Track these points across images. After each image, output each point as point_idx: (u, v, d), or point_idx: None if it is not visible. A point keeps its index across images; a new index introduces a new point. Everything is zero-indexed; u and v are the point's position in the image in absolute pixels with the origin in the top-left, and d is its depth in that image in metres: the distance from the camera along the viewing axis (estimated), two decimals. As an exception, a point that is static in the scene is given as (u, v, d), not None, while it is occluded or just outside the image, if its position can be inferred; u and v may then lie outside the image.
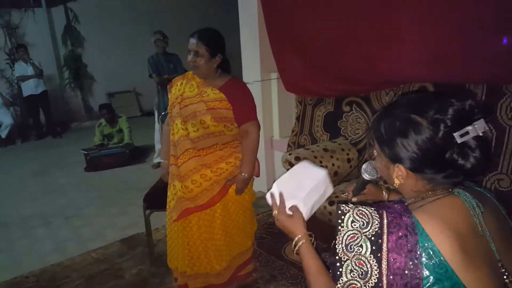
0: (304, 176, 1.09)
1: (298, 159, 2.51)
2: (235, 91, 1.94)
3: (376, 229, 0.78)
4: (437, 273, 0.73)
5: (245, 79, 3.47)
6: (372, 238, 0.78)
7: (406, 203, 0.90)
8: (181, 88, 1.94)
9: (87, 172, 4.90)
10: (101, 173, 4.81)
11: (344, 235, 0.80)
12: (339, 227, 0.82)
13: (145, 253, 2.65)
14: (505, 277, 0.82)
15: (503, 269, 0.82)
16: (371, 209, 0.81)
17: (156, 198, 2.48)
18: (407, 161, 0.84)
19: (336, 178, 2.65)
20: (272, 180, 3.53)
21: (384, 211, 0.81)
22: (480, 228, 0.81)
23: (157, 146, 4.60)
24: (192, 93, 1.91)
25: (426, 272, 0.74)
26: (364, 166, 1.18)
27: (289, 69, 3.05)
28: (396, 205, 0.84)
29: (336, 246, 0.81)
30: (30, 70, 6.49)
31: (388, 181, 0.95)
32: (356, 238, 0.79)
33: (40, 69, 6.58)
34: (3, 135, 6.64)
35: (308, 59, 2.86)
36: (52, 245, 2.99)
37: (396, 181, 0.89)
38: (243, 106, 1.95)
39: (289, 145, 3.31)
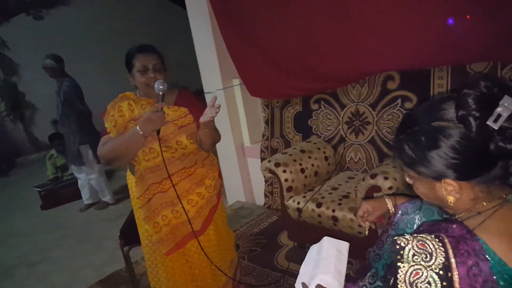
0: (312, 256, 1.09)
1: (278, 165, 2.43)
2: (191, 101, 1.86)
3: (442, 260, 0.69)
4: None
5: (206, 89, 3.34)
6: (440, 272, 0.68)
7: (460, 219, 0.81)
8: (134, 109, 1.75)
9: (45, 210, 4.53)
10: (62, 209, 4.46)
11: (407, 272, 0.70)
12: (399, 264, 0.71)
13: (130, 291, 2.45)
14: None
15: None
16: (431, 237, 0.72)
17: (133, 231, 2.29)
18: (451, 172, 0.76)
19: (317, 178, 2.61)
20: (249, 187, 3.47)
21: (445, 237, 0.72)
22: None
23: (84, 192, 4.32)
24: None
25: None
26: (156, 85, 1.60)
27: (252, 73, 2.97)
28: (453, 226, 0.75)
29: (399, 286, 0.71)
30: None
31: (441, 204, 0.86)
32: (421, 274, 0.69)
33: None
34: None
35: (271, 60, 2.79)
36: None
37: (450, 198, 0.79)
38: (200, 112, 1.83)
39: (262, 150, 3.23)
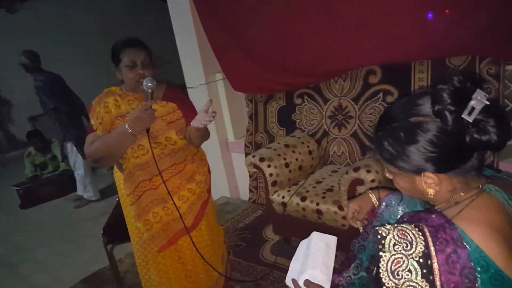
0: (302, 251, 1.10)
1: (263, 160, 2.44)
2: (179, 97, 1.84)
3: (422, 249, 0.71)
4: (494, 285, 0.68)
5: (188, 84, 3.31)
6: (421, 260, 0.70)
7: (439, 210, 0.84)
8: (121, 105, 1.70)
9: (24, 209, 4.42)
10: (41, 208, 4.36)
11: (388, 261, 0.72)
12: (380, 253, 0.73)
13: (115, 290, 2.43)
14: None
15: None
16: (411, 226, 0.74)
17: (117, 229, 2.26)
18: (430, 165, 0.79)
19: (302, 172, 2.62)
20: (233, 182, 3.46)
21: (424, 226, 0.74)
22: None
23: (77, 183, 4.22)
24: None
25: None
26: (144, 83, 1.56)
27: (235, 67, 2.95)
28: (432, 216, 0.77)
29: (381, 275, 0.73)
30: None
31: (421, 197, 0.88)
32: (402, 263, 0.71)
33: None
34: None
35: (254, 54, 2.78)
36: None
37: (430, 191, 0.82)
38: (191, 111, 1.83)
39: (246, 145, 3.22)
